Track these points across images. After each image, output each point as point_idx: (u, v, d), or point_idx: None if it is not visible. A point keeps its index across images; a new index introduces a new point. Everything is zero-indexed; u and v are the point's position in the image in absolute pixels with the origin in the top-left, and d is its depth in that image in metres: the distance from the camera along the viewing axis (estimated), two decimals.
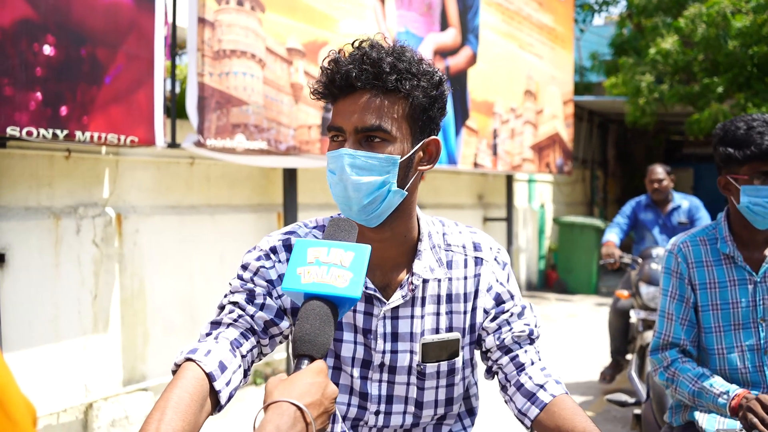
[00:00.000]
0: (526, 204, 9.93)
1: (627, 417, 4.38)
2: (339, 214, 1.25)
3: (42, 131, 3.13)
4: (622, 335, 4.84)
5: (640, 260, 4.56)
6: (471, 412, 1.43)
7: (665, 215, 4.83)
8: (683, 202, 4.82)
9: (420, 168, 1.26)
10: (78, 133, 3.27)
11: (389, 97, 1.18)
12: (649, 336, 4.21)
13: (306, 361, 0.98)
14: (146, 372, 4.28)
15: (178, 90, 4.43)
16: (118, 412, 4.01)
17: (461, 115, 6.59)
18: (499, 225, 8.71)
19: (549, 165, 8.66)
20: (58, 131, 3.19)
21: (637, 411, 3.29)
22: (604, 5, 12.29)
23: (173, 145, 3.95)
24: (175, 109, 3.99)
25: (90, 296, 3.92)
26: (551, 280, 10.08)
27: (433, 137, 1.26)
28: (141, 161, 4.25)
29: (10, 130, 3.01)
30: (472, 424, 1.43)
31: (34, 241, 3.64)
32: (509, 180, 8.57)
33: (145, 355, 4.27)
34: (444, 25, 6.33)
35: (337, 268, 1.02)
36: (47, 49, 3.16)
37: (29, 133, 3.08)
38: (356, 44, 1.21)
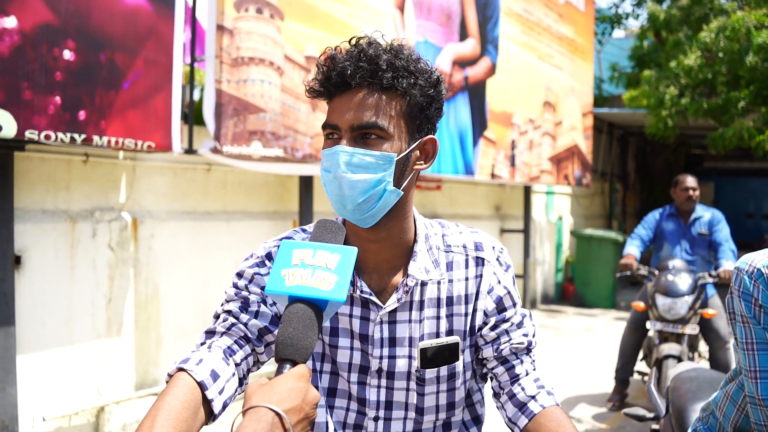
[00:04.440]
0: (544, 216, 9.85)
1: None
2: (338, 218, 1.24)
3: (60, 135, 3.16)
4: (632, 351, 4.86)
5: (656, 272, 4.55)
6: (477, 420, 1.39)
7: (686, 225, 4.82)
8: (705, 213, 4.82)
9: (416, 167, 1.23)
10: (96, 138, 3.30)
11: (386, 95, 1.16)
12: (665, 348, 4.14)
13: (288, 366, 0.95)
14: (158, 377, 4.28)
15: (196, 96, 4.46)
16: (129, 416, 4.02)
17: (479, 126, 6.56)
18: (516, 237, 8.65)
19: (567, 177, 8.59)
20: (76, 135, 3.22)
21: (656, 426, 3.22)
22: (623, 18, 12.23)
23: (190, 151, 3.97)
24: (193, 115, 4.02)
25: (104, 300, 3.94)
26: (568, 293, 9.97)
27: (430, 136, 1.24)
28: (158, 167, 4.27)
29: (29, 134, 3.04)
30: None
31: (50, 243, 3.66)
32: (527, 191, 8.51)
33: (157, 360, 4.28)
34: (463, 35, 6.32)
35: (323, 271, 0.99)
36: (67, 54, 3.19)
37: (47, 137, 3.11)
38: (353, 42, 1.19)
